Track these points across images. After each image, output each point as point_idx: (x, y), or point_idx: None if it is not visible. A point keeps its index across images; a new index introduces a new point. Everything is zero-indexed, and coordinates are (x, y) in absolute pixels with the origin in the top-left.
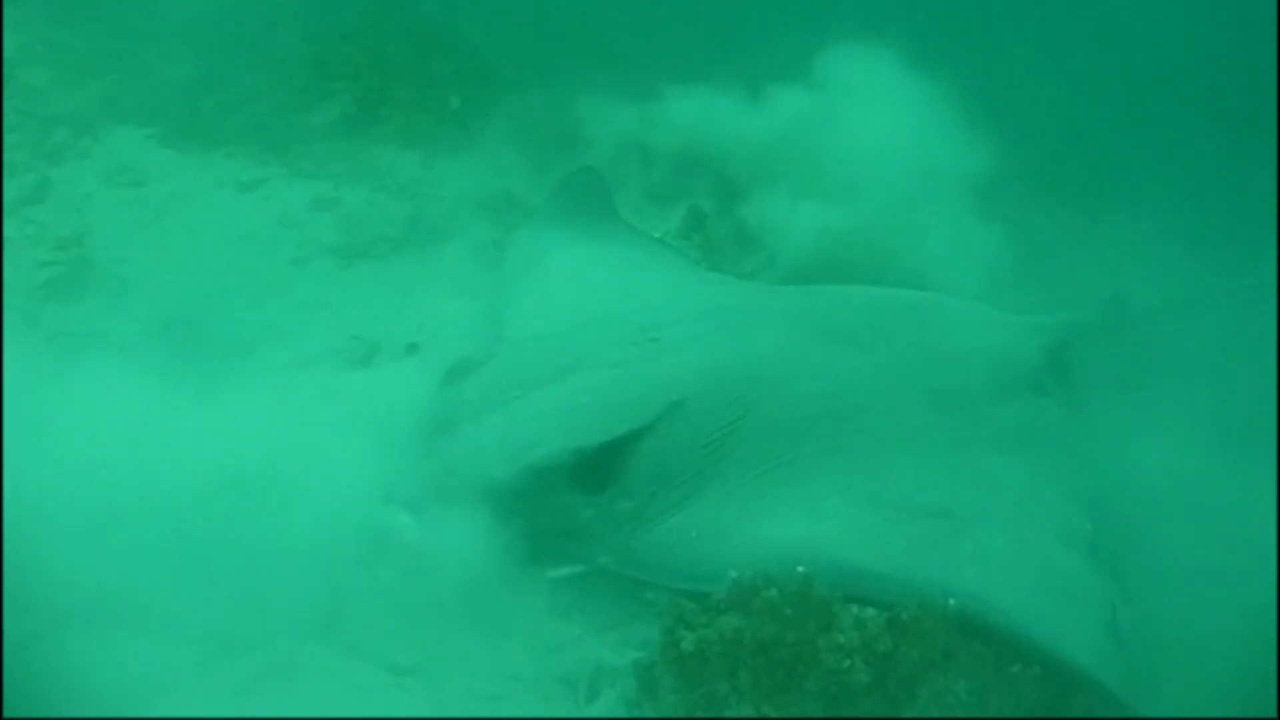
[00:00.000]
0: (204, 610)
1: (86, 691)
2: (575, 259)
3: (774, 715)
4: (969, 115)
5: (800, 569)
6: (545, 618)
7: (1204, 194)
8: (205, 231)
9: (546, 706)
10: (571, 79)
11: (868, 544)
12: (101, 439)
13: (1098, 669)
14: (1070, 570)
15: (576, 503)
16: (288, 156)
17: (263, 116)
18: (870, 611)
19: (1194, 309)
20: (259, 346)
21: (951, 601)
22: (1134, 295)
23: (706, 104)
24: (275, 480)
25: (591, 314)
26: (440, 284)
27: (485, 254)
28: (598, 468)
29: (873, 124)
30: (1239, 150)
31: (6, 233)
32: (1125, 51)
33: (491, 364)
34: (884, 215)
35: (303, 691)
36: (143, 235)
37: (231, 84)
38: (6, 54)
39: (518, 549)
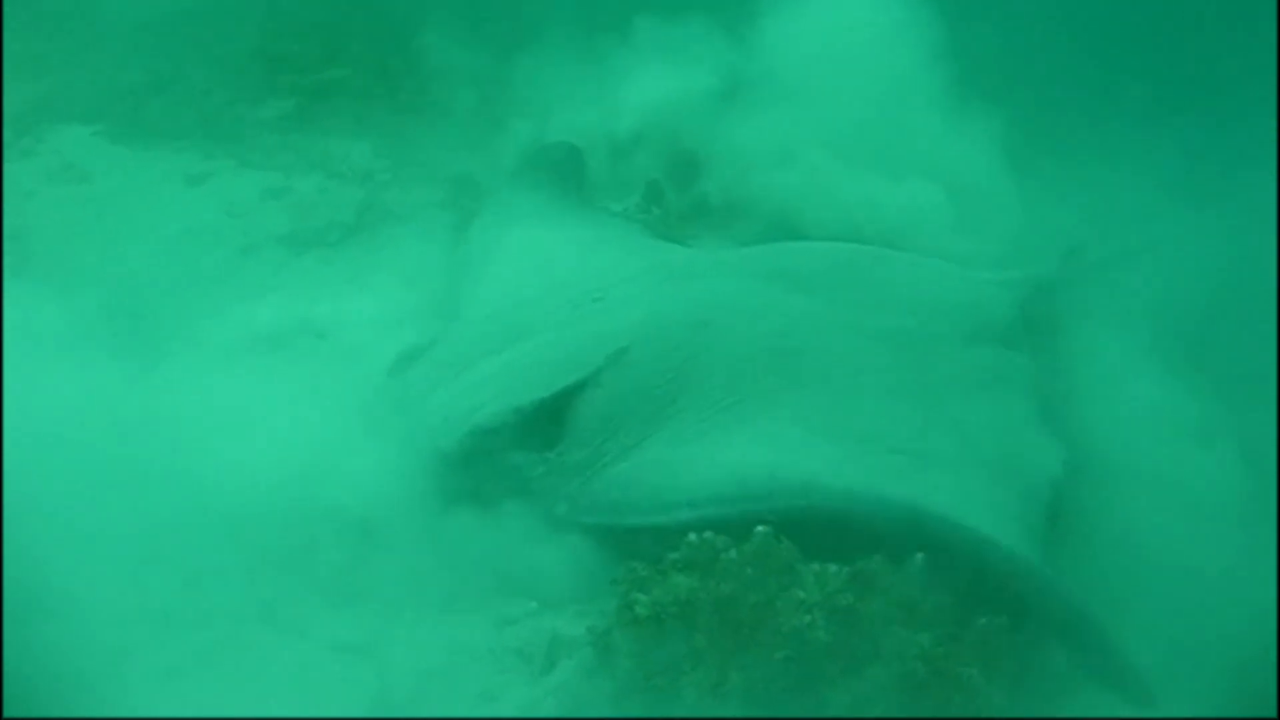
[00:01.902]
0: (142, 590)
1: (17, 672)
2: (535, 239)
3: (735, 677)
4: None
5: (760, 528)
6: (501, 592)
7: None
8: (150, 224)
9: (503, 679)
10: (527, 68)
11: (827, 468)
12: (41, 424)
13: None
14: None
15: (525, 462)
16: (237, 149)
17: (211, 111)
18: (832, 567)
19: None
20: (204, 334)
21: (919, 556)
22: (1095, 242)
23: (668, 77)
24: (217, 461)
25: (541, 288)
26: (393, 269)
27: (439, 238)
28: (543, 424)
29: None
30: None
31: None
32: None
33: (436, 347)
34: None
35: (244, 669)
36: (86, 230)
37: (179, 82)
38: None
39: (473, 519)
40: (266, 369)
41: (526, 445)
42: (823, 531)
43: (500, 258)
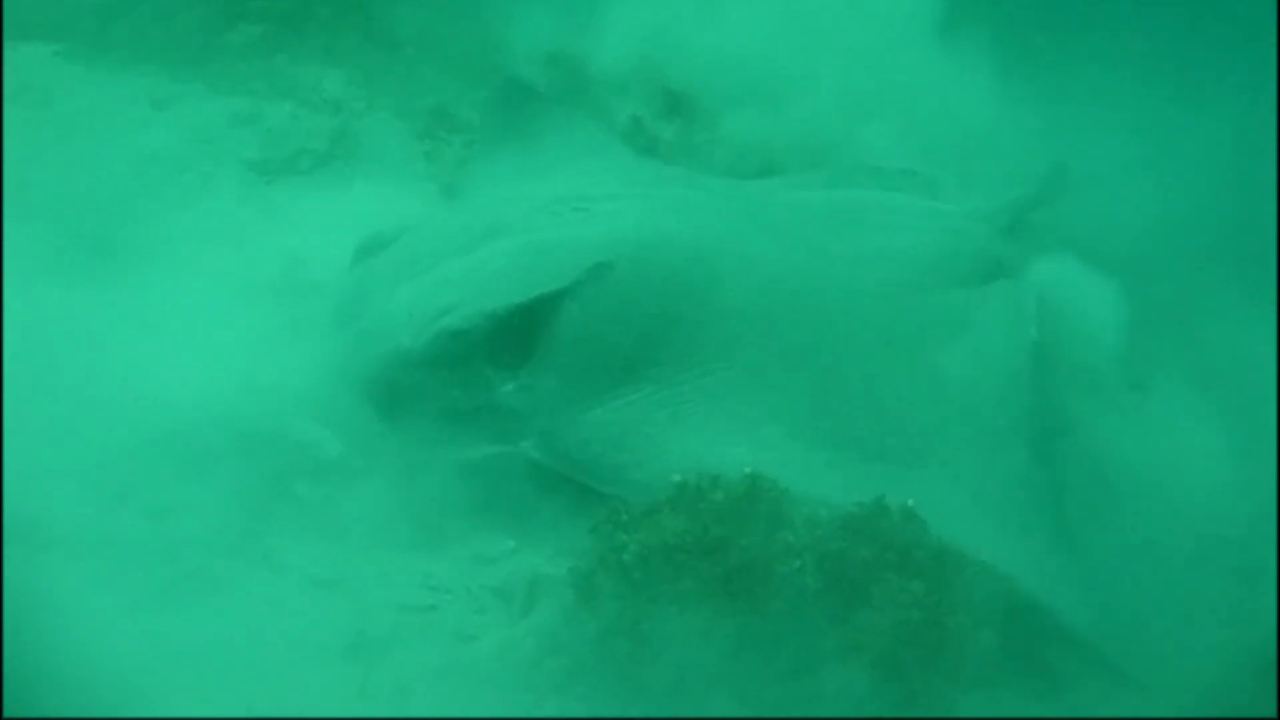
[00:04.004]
0: (110, 520)
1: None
2: (513, 150)
3: (726, 623)
4: None
5: (747, 470)
6: (478, 530)
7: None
8: (115, 149)
9: (480, 619)
10: None
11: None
12: (8, 351)
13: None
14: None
15: (495, 376)
16: (205, 74)
17: (177, 35)
18: (823, 511)
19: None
20: (174, 259)
21: (910, 502)
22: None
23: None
24: (190, 392)
25: (519, 190)
26: (366, 200)
27: (414, 169)
28: (515, 334)
29: None
30: None
31: None
32: None
33: (404, 238)
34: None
35: (216, 603)
36: (48, 153)
37: (145, 2)
38: None
39: (436, 434)
40: (234, 298)
41: (496, 357)
42: None
43: (476, 168)
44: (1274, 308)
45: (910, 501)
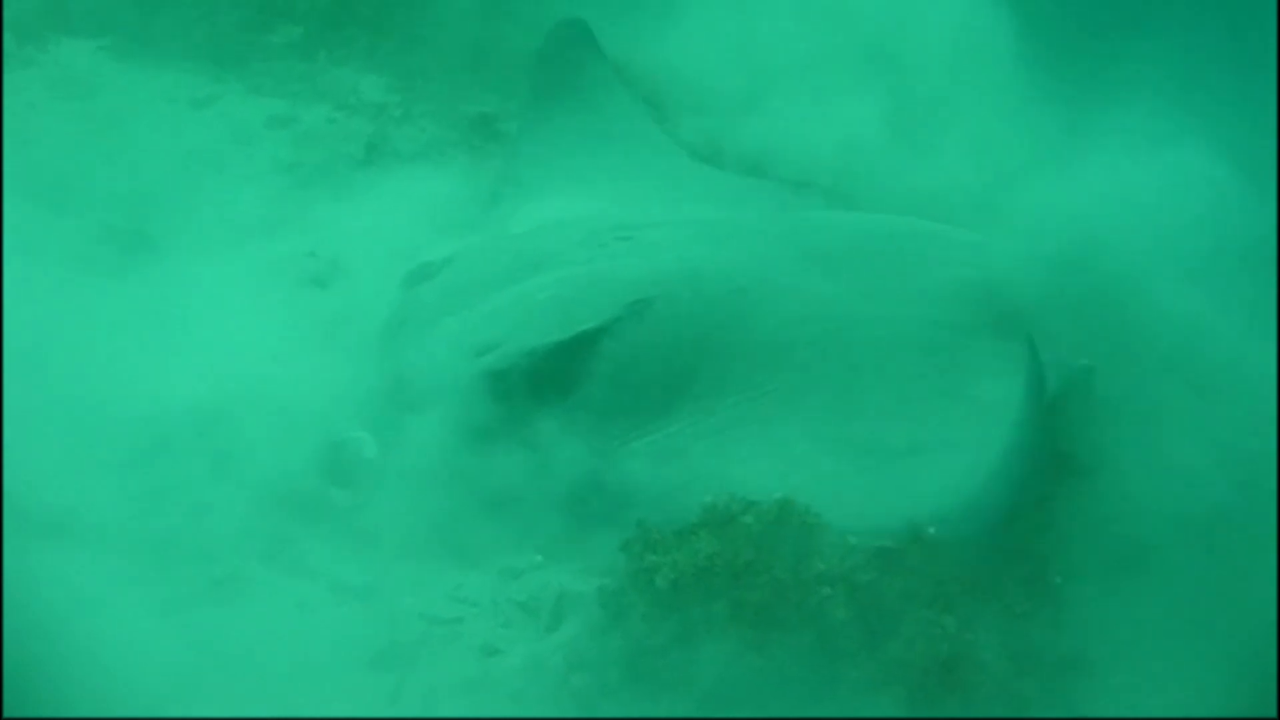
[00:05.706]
0: (142, 519)
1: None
2: (559, 154)
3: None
4: None
5: (777, 495)
6: (505, 544)
7: None
8: (154, 145)
9: (507, 633)
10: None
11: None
12: (43, 346)
13: None
14: None
15: (534, 413)
16: (245, 74)
17: (219, 34)
18: (853, 539)
19: None
20: (209, 259)
21: (932, 530)
22: None
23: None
24: (223, 394)
25: (564, 211)
26: (403, 206)
27: (452, 178)
28: (555, 371)
29: None
30: None
31: None
32: None
33: (451, 266)
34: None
35: (243, 607)
36: (88, 146)
37: (186, 1)
38: None
39: (473, 465)
40: (268, 301)
41: (536, 392)
42: None
43: (524, 177)
44: None
45: (932, 530)
